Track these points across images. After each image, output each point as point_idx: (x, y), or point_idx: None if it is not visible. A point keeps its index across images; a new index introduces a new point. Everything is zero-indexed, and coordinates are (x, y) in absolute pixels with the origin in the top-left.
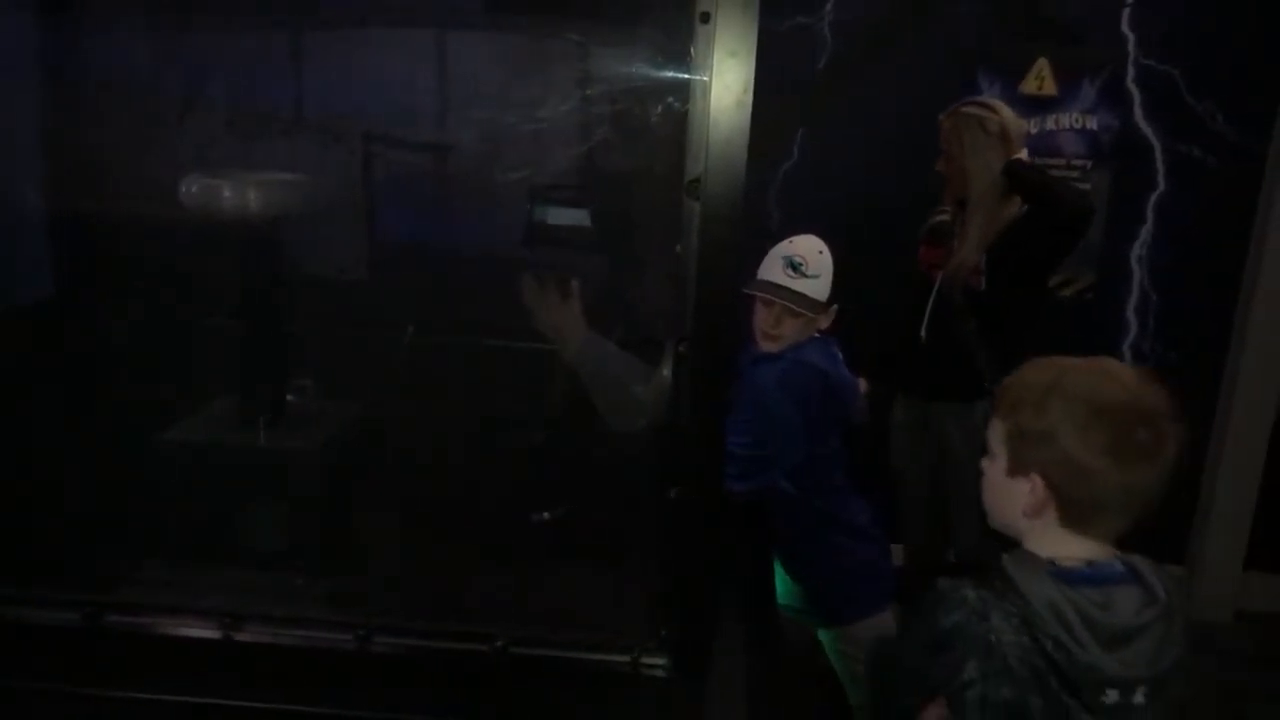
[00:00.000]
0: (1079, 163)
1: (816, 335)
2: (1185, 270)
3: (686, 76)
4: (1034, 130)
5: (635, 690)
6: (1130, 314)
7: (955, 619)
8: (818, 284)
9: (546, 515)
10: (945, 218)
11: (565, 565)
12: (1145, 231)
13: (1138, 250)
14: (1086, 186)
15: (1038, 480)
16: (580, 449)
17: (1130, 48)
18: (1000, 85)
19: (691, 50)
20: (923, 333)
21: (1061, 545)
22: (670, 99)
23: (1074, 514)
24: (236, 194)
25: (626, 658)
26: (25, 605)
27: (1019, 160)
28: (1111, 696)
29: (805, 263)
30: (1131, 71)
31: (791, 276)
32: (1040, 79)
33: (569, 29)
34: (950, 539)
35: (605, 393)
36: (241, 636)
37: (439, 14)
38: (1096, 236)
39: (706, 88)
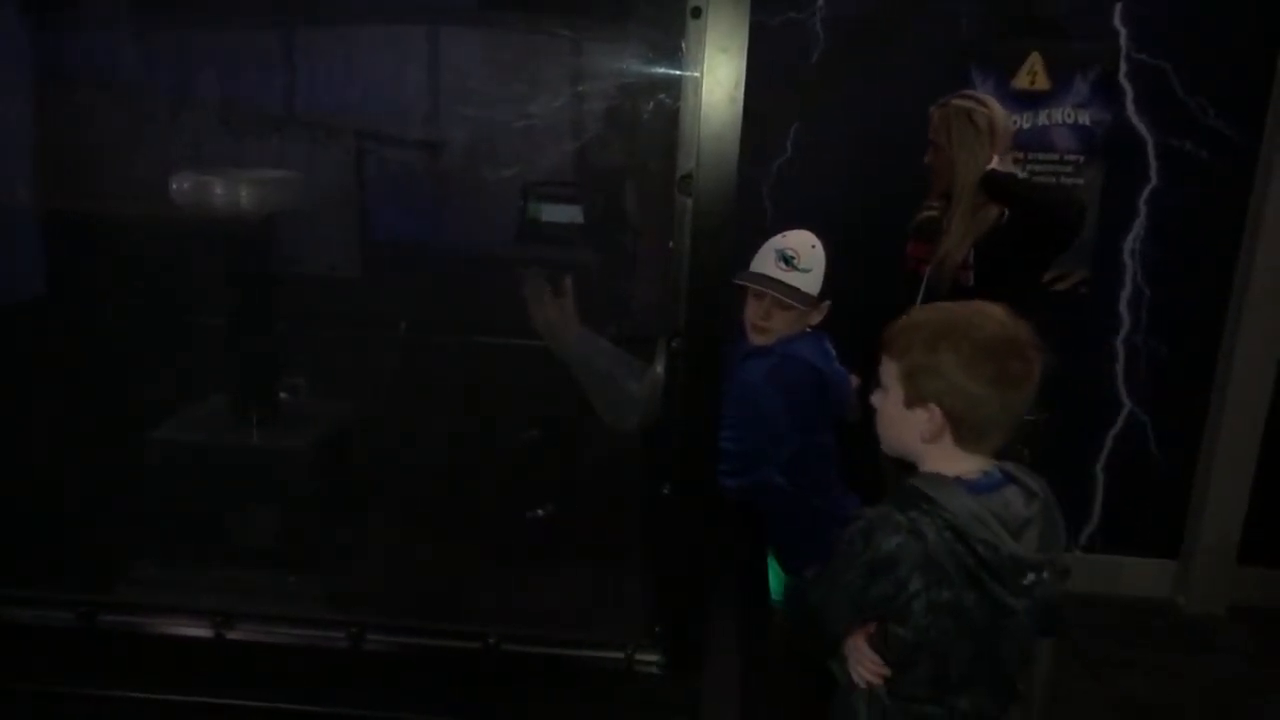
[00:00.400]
0: (1071, 158)
1: (809, 331)
2: (1178, 264)
3: (678, 72)
4: (1026, 125)
5: (629, 687)
6: (1123, 308)
7: (896, 540)
8: (809, 278)
9: (541, 512)
10: (933, 213)
11: (559, 562)
12: (1138, 225)
13: (1130, 244)
14: (1079, 181)
15: (935, 409)
16: (574, 446)
17: (1122, 42)
18: (993, 80)
19: (683, 46)
20: None
21: (958, 463)
22: (662, 95)
23: (967, 435)
24: (229, 191)
25: (620, 654)
26: (18, 605)
27: (994, 172)
28: (1030, 578)
29: (797, 256)
30: (1124, 66)
31: (783, 269)
32: (1033, 74)
33: (561, 25)
34: None
35: (599, 389)
36: (234, 635)
37: (430, 11)
38: (1090, 231)
39: (698, 83)
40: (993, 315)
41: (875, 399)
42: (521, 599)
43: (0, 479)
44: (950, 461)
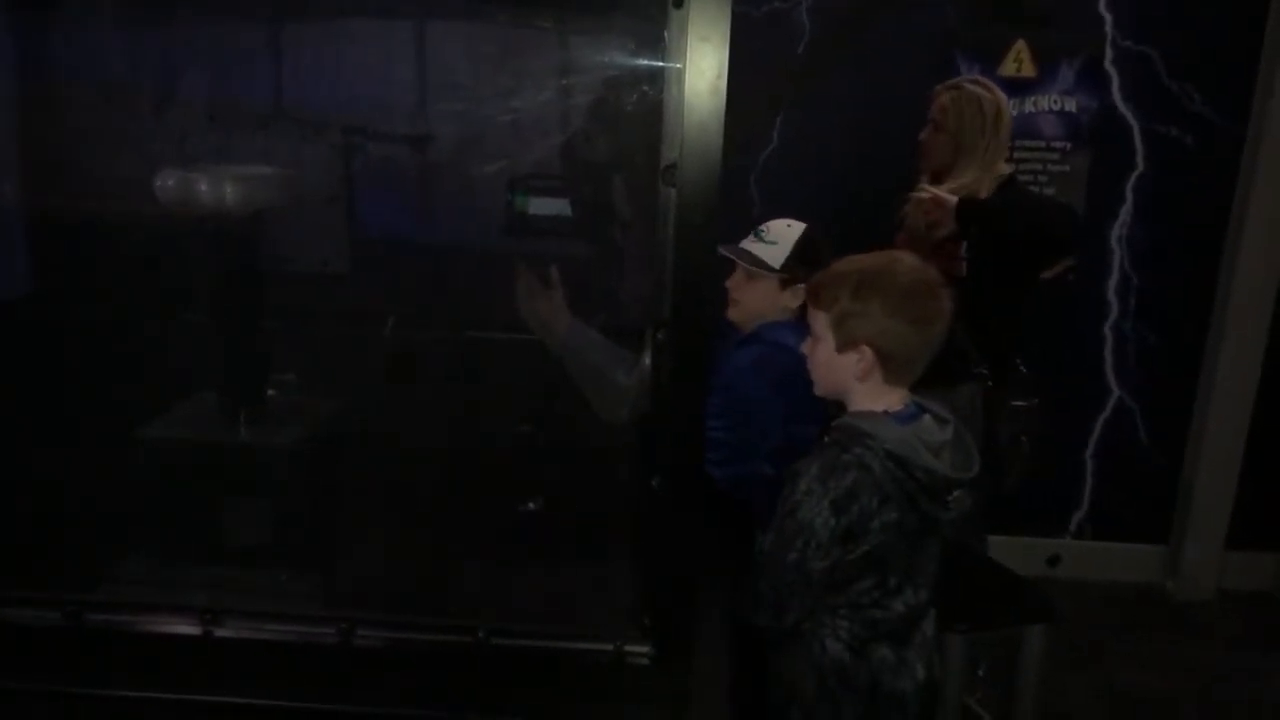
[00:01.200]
0: (1058, 145)
1: (792, 320)
2: (1165, 251)
3: (660, 63)
4: (1014, 113)
5: (618, 679)
6: (1111, 295)
7: (851, 476)
8: (772, 250)
9: (533, 505)
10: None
11: (549, 556)
12: (1125, 212)
13: (1117, 231)
14: (1065, 169)
15: (866, 350)
16: (564, 440)
17: (1108, 29)
18: (979, 68)
19: (665, 36)
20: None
21: (883, 398)
22: (645, 86)
23: (894, 370)
24: (214, 188)
25: (609, 647)
26: (6, 605)
27: (968, 201)
28: (956, 496)
29: (767, 230)
30: (1110, 53)
31: (752, 241)
32: (1019, 61)
33: (545, 18)
34: None
35: (590, 382)
36: (223, 632)
37: (414, 5)
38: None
39: (680, 74)
40: (904, 261)
41: (805, 348)
42: (512, 593)
43: None
44: (878, 398)
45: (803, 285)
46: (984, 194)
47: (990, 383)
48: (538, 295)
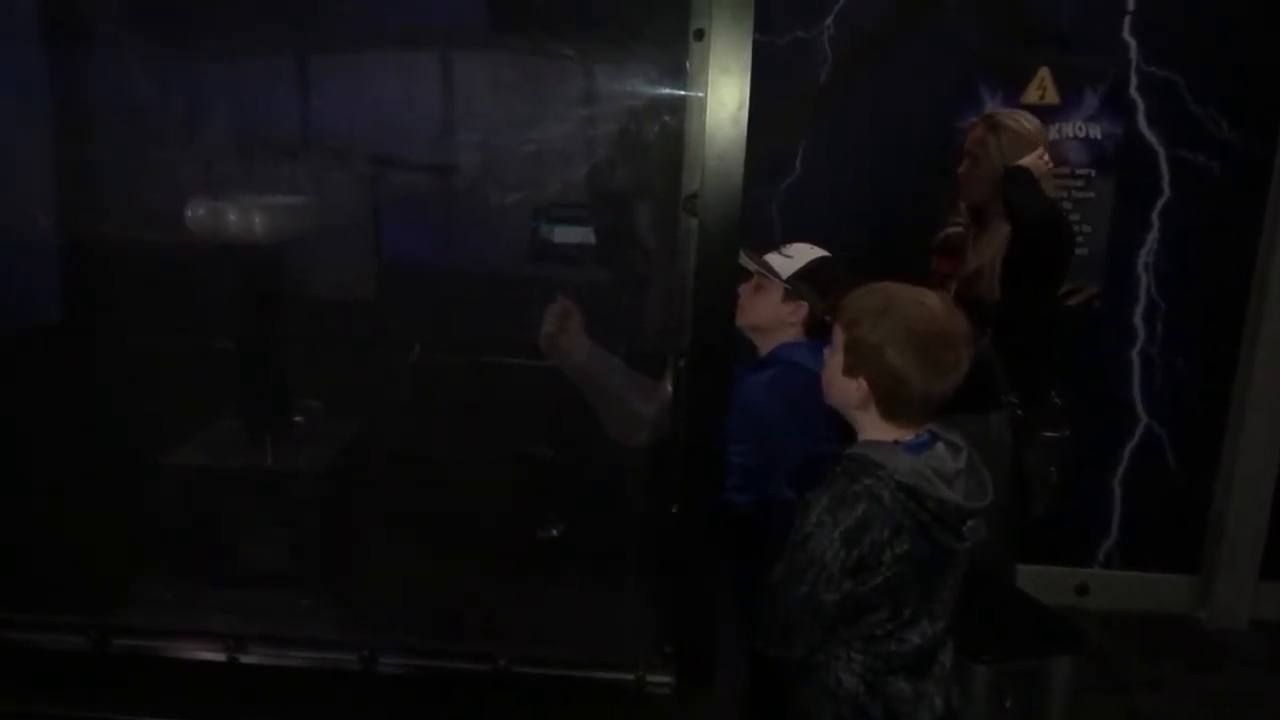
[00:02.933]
0: (1083, 172)
1: (808, 341)
2: (1192, 277)
3: (682, 93)
4: None
5: (639, 708)
6: (1138, 321)
7: (861, 507)
8: (785, 262)
9: (555, 531)
10: (959, 229)
11: (569, 582)
12: (1151, 239)
13: (1144, 257)
14: (1090, 195)
15: (863, 383)
16: (583, 466)
17: (1132, 55)
18: (1001, 96)
19: (687, 67)
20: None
21: (888, 430)
22: (667, 116)
23: (889, 410)
24: (242, 217)
25: (630, 675)
26: (32, 629)
27: (1018, 169)
28: (969, 525)
29: (789, 247)
30: (1134, 79)
31: (773, 254)
32: (1042, 88)
33: (568, 49)
34: None
35: (609, 409)
36: (247, 658)
37: (438, 36)
38: (1102, 245)
39: (702, 104)
40: (932, 305)
41: (825, 353)
42: (532, 620)
43: (16, 502)
44: (882, 429)
45: (804, 302)
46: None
47: (1020, 411)
48: (558, 322)
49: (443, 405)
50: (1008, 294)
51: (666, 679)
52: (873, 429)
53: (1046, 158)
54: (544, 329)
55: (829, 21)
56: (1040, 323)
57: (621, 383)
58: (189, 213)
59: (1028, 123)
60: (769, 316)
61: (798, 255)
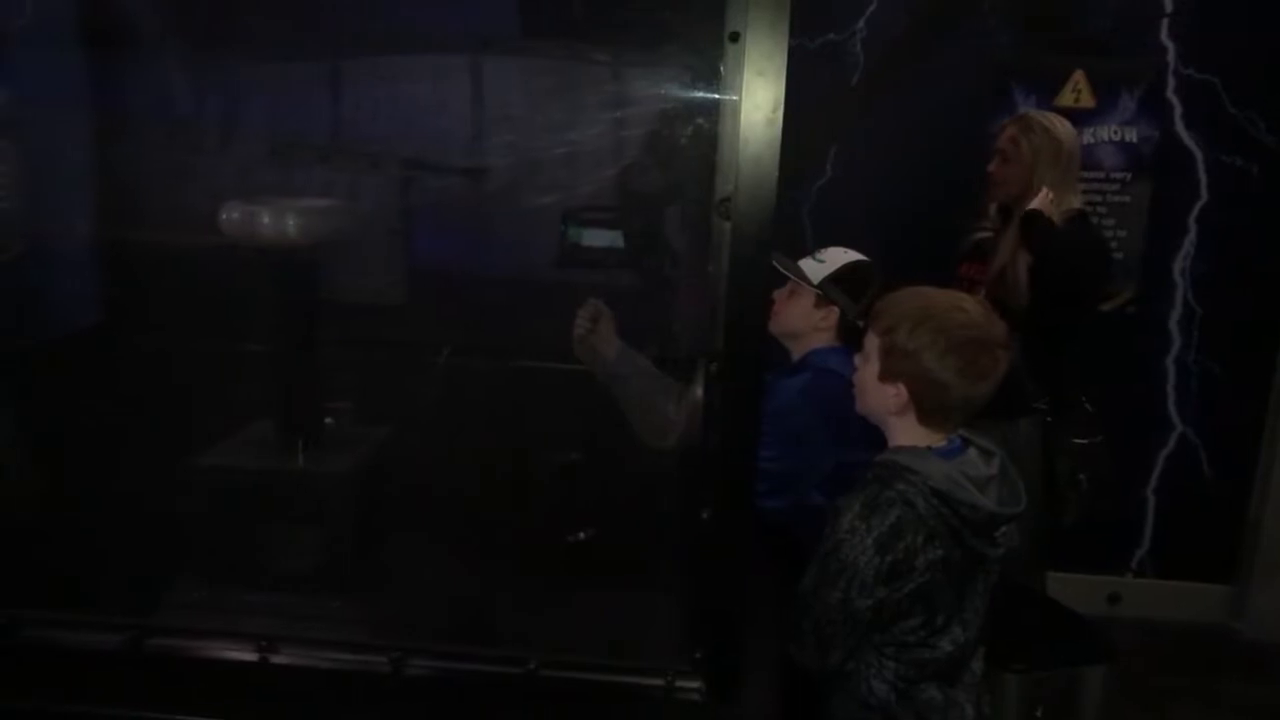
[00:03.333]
0: (1118, 175)
1: (840, 346)
2: (1230, 282)
3: (716, 96)
4: None
5: (668, 714)
6: (1173, 327)
7: (895, 514)
8: (817, 266)
9: (583, 535)
10: (988, 234)
11: (599, 587)
12: (1188, 243)
13: (1180, 262)
14: (1126, 199)
15: (902, 388)
16: (615, 470)
17: (1170, 58)
18: (1035, 98)
19: (721, 70)
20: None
21: (922, 436)
22: (700, 119)
23: (928, 415)
24: (276, 220)
25: (660, 681)
26: (67, 628)
27: (1038, 214)
28: (1001, 531)
29: (824, 252)
30: (1171, 81)
31: (807, 259)
32: (1077, 91)
33: (601, 52)
34: None
35: (636, 410)
36: (278, 659)
37: (472, 41)
38: (1137, 250)
39: (736, 107)
40: (969, 310)
41: (857, 360)
42: (562, 624)
43: (52, 503)
44: (916, 435)
45: (836, 307)
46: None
47: (1049, 418)
48: (589, 324)
49: (471, 408)
50: (1036, 310)
51: (696, 685)
52: (906, 435)
53: (1052, 196)
54: (576, 330)
55: (861, 24)
56: (1070, 329)
57: (651, 385)
58: (224, 215)
59: (1060, 124)
60: (801, 322)
61: (830, 259)
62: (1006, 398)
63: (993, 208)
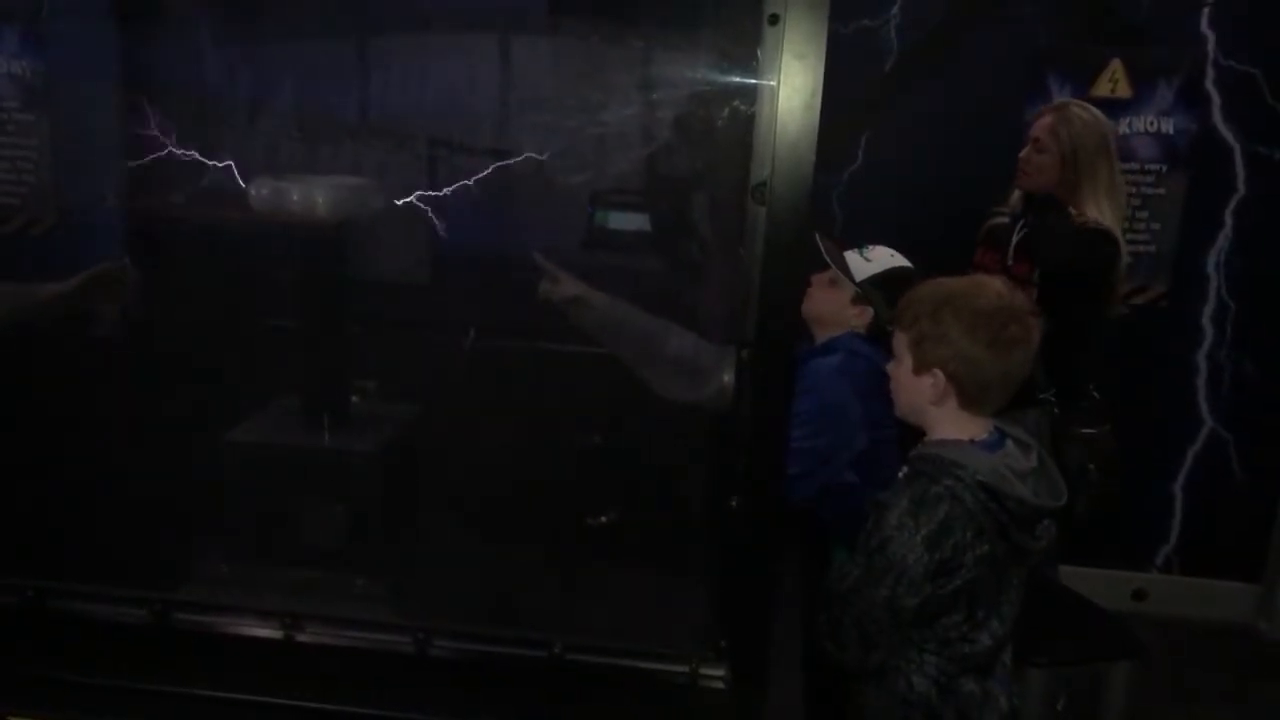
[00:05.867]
0: (1153, 167)
1: (865, 334)
2: (1266, 277)
3: (754, 80)
4: None
5: (694, 701)
6: (1206, 322)
7: (944, 509)
8: (862, 264)
9: (604, 519)
10: (1004, 219)
11: (625, 572)
12: (1223, 237)
13: (1215, 256)
14: (1160, 192)
15: (939, 373)
16: (640, 454)
17: (1210, 48)
18: (1071, 88)
19: (759, 53)
20: None
21: (964, 426)
22: (737, 102)
23: (969, 397)
24: (305, 197)
25: (685, 668)
26: (94, 601)
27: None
28: (1044, 525)
29: (872, 249)
30: (1211, 73)
31: (853, 252)
32: (1114, 81)
33: (635, 33)
34: None
35: (643, 358)
36: (302, 637)
37: (502, 19)
38: (1171, 242)
39: (774, 91)
40: (989, 285)
41: (890, 368)
42: (587, 608)
43: (79, 478)
44: (958, 425)
45: (869, 307)
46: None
47: (1057, 409)
48: (566, 277)
49: (496, 390)
50: (1052, 295)
51: (720, 673)
52: (948, 426)
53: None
54: (555, 286)
55: (895, 10)
56: (1076, 321)
57: (647, 325)
58: (253, 192)
59: (1098, 114)
60: (833, 313)
61: (876, 260)
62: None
63: (1015, 195)
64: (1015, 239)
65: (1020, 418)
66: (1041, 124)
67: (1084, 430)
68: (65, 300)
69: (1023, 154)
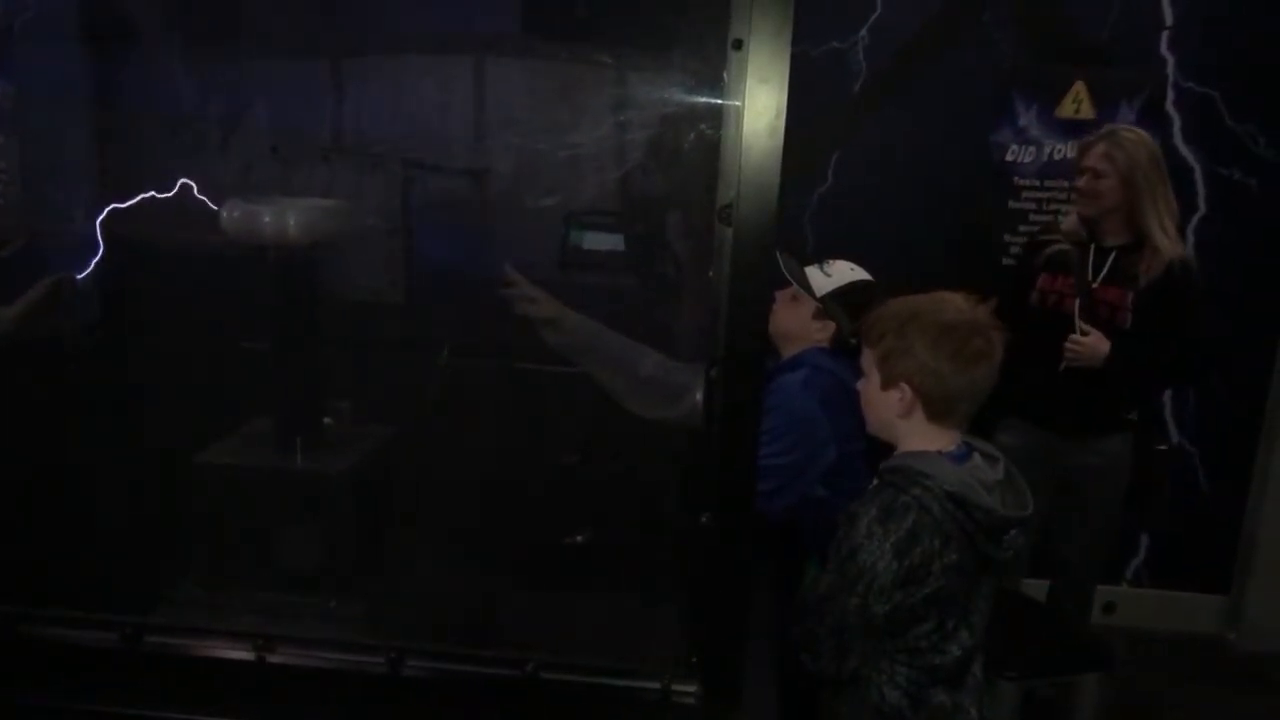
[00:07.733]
0: None
1: (830, 349)
2: (1226, 294)
3: (719, 102)
4: (1072, 155)
5: (666, 717)
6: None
7: (911, 518)
8: (823, 279)
9: (580, 537)
10: (1062, 245)
11: (597, 590)
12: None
13: None
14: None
15: (905, 387)
16: (614, 472)
17: (1170, 70)
18: (1036, 109)
19: (724, 76)
20: (1062, 367)
21: (932, 439)
22: (703, 125)
23: (936, 410)
24: (277, 219)
25: (657, 684)
26: (64, 625)
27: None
28: (1010, 535)
29: (831, 264)
30: (1171, 94)
31: (813, 268)
32: (1077, 102)
33: (604, 56)
34: (1057, 565)
35: (621, 379)
36: (274, 658)
37: (475, 42)
38: None
39: (739, 114)
40: (953, 300)
41: (859, 385)
42: (560, 626)
43: (49, 501)
44: (926, 438)
45: (831, 321)
46: (1174, 248)
47: (1138, 431)
48: (539, 294)
49: (470, 410)
50: (1146, 326)
51: (692, 689)
52: (916, 438)
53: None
54: (527, 305)
55: (864, 32)
56: (1168, 351)
57: (618, 344)
58: (225, 213)
59: (1143, 134)
60: (797, 328)
61: (837, 274)
62: (1102, 413)
63: (1072, 219)
64: (1107, 265)
65: (1105, 440)
66: (1095, 153)
67: (1159, 448)
68: (17, 320)
69: (1081, 183)
